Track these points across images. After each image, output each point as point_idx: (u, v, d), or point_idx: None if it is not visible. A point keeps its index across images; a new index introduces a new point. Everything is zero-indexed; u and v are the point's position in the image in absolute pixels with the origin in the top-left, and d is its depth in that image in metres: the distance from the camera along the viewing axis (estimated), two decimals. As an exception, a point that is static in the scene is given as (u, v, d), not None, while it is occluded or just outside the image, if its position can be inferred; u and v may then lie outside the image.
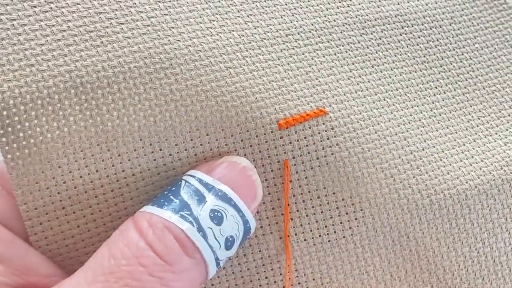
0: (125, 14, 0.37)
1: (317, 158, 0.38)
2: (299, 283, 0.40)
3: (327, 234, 0.39)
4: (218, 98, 0.37)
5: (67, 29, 0.36)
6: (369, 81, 0.41)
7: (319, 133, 0.38)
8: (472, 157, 0.41)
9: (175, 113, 0.36)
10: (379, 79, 0.42)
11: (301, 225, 0.39)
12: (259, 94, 0.38)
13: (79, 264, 0.35)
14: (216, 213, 0.34)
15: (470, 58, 0.45)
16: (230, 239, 0.35)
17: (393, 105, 0.41)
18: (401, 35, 0.44)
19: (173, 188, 0.35)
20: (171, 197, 0.34)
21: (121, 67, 0.36)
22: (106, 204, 0.36)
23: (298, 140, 0.38)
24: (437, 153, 0.41)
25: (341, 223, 0.39)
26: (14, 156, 0.34)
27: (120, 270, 0.32)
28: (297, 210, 0.39)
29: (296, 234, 0.39)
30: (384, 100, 0.41)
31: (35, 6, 0.36)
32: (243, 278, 0.39)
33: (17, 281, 0.34)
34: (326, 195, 0.39)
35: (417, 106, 0.42)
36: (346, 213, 0.39)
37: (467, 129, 0.43)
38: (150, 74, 0.36)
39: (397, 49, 0.43)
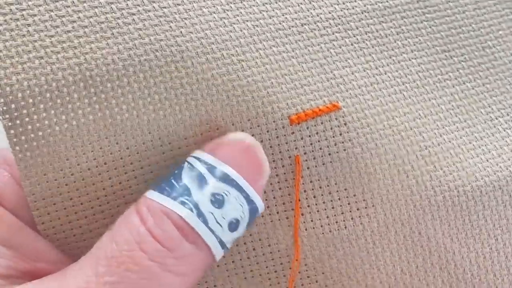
0: (137, 4, 0.36)
1: (329, 154, 0.38)
2: (308, 277, 0.39)
3: (338, 229, 0.39)
4: (229, 92, 0.36)
5: (77, 19, 0.35)
6: (385, 73, 0.40)
7: (331, 128, 0.38)
8: (489, 152, 0.40)
9: (185, 107, 0.36)
10: (396, 71, 0.40)
11: (312, 221, 0.39)
12: (271, 88, 0.37)
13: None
14: (217, 197, 0.34)
15: (494, 46, 0.43)
16: (234, 221, 0.34)
17: (409, 98, 0.40)
18: (422, 22, 0.42)
19: (175, 171, 0.35)
20: (173, 181, 0.34)
21: (131, 60, 0.35)
22: (114, 197, 0.36)
23: (310, 136, 0.37)
24: (453, 149, 0.40)
25: (352, 219, 0.39)
26: (22, 148, 0.34)
27: (122, 255, 0.32)
28: (308, 206, 0.38)
29: (306, 229, 0.39)
30: (401, 93, 0.40)
31: (51, 11, 0.35)
32: (252, 272, 0.39)
33: (25, 267, 0.35)
34: (337, 191, 0.38)
35: (435, 99, 0.41)
36: (358, 209, 0.38)
37: (485, 122, 0.41)
38: (160, 68, 0.36)
39: (417, 37, 0.42)
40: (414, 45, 0.41)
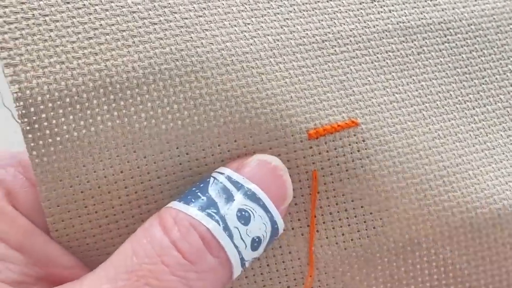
0: (159, 14, 0.36)
1: (347, 170, 0.37)
2: None
3: (353, 247, 0.38)
4: (248, 104, 0.36)
5: (99, 27, 0.35)
6: (405, 92, 0.40)
7: (349, 144, 0.37)
8: (509, 175, 0.40)
9: (204, 118, 0.36)
10: (417, 90, 0.40)
11: (327, 238, 0.38)
12: (290, 102, 0.37)
13: (99, 263, 0.35)
14: (243, 213, 0.33)
15: None
16: (257, 239, 0.34)
17: (429, 118, 0.40)
18: (443, 43, 0.42)
19: (201, 185, 0.34)
20: (199, 193, 0.34)
21: (152, 69, 0.35)
22: (129, 206, 0.36)
23: (327, 151, 0.37)
24: (472, 170, 0.40)
25: (367, 237, 0.38)
26: (40, 153, 0.34)
27: (142, 269, 0.31)
28: (324, 222, 0.38)
29: (321, 246, 0.38)
30: (420, 112, 0.40)
31: (68, 2, 0.35)
32: (265, 287, 0.38)
33: (38, 272, 0.34)
34: (354, 208, 0.38)
35: (454, 120, 0.40)
36: (374, 228, 0.38)
37: (505, 145, 0.41)
38: (180, 77, 0.35)
39: (438, 58, 0.41)
40: (435, 66, 0.41)
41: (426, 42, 0.41)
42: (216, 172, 0.35)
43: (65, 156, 0.34)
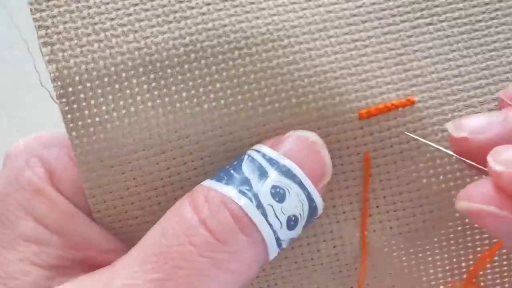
0: None
1: (401, 152, 0.35)
2: (374, 277, 0.37)
3: (409, 232, 0.36)
4: (295, 82, 0.34)
5: (139, 2, 0.34)
6: (472, 64, 0.36)
7: (404, 124, 0.35)
8: None
9: (248, 97, 0.34)
10: (485, 62, 0.36)
11: (380, 222, 0.36)
12: (340, 79, 0.35)
13: None
14: (278, 190, 0.32)
15: None
16: (293, 218, 0.32)
17: (497, 92, 0.36)
18: None
19: (235, 163, 0.33)
20: (232, 171, 0.32)
21: (193, 46, 0.34)
22: (172, 188, 0.35)
23: (380, 132, 0.35)
24: None
25: (424, 221, 0.36)
26: (79, 134, 0.33)
27: (170, 251, 0.31)
28: (377, 206, 0.36)
29: (374, 231, 0.36)
30: (487, 86, 0.36)
31: None
32: (316, 271, 0.37)
33: (75, 255, 0.34)
34: (409, 192, 0.36)
35: None
36: (430, 212, 0.36)
37: None
38: (223, 54, 0.34)
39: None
40: (509, 32, 0.37)
41: (501, 6, 0.37)
42: (251, 149, 0.34)
43: (105, 136, 0.34)
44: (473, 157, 0.31)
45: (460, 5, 0.37)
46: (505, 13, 0.37)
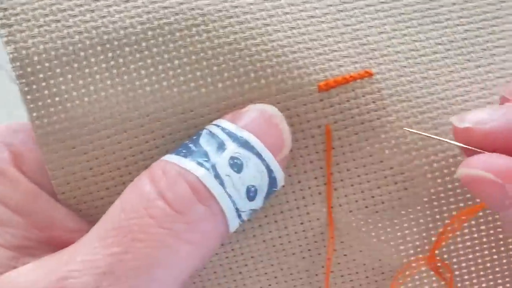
0: None
1: (362, 123, 0.35)
2: (345, 255, 0.37)
3: (374, 204, 0.36)
4: (253, 57, 0.35)
5: None
6: (426, 40, 0.37)
7: (363, 96, 0.35)
8: None
9: (206, 72, 0.35)
10: (439, 37, 0.38)
11: (346, 196, 0.36)
12: (298, 53, 0.35)
13: None
14: (236, 161, 0.32)
15: None
16: (252, 188, 0.32)
17: (453, 65, 0.37)
18: None
19: (194, 137, 0.33)
20: (190, 145, 0.33)
21: (150, 24, 0.34)
22: (136, 167, 0.35)
23: (340, 103, 0.35)
24: None
25: (389, 193, 0.36)
26: (40, 114, 0.34)
27: (129, 224, 0.31)
28: (341, 180, 0.36)
29: (340, 205, 0.36)
30: (443, 60, 0.37)
31: None
32: (284, 251, 0.37)
33: (40, 235, 0.34)
34: (372, 163, 0.36)
35: (482, 67, 0.37)
36: (395, 183, 0.36)
37: None
38: (180, 31, 0.34)
39: (464, 3, 0.39)
40: (461, 11, 0.38)
41: None
42: (210, 124, 0.34)
43: (65, 116, 0.34)
44: (476, 146, 0.32)
45: None
46: None
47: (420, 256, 0.37)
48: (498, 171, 0.30)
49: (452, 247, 0.38)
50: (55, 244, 0.34)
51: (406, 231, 0.37)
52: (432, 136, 0.35)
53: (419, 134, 0.35)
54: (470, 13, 0.38)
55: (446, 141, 0.34)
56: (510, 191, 0.30)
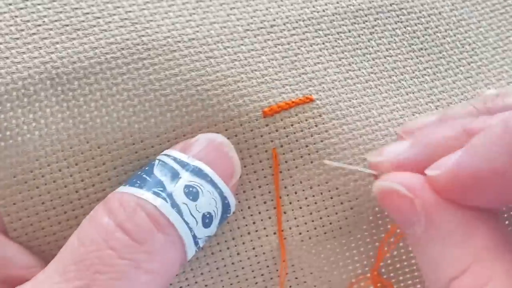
0: (102, 9, 0.37)
1: (306, 146, 0.37)
2: (296, 278, 0.38)
3: (323, 226, 0.37)
4: (199, 87, 0.36)
5: (42, 23, 0.35)
6: (359, 69, 0.40)
7: (306, 120, 0.37)
8: None
9: (155, 103, 0.36)
10: (371, 67, 0.40)
11: (295, 218, 0.37)
12: (241, 82, 0.37)
13: None
14: (191, 189, 0.33)
15: (474, 43, 0.43)
16: (208, 215, 0.33)
17: (386, 92, 0.40)
18: (396, 23, 0.42)
19: (146, 168, 0.34)
20: (144, 176, 0.33)
21: (98, 58, 0.35)
22: (88, 200, 0.35)
23: (285, 128, 0.37)
24: None
25: (336, 213, 0.37)
26: None
27: (90, 257, 0.31)
28: (290, 203, 0.37)
29: (290, 228, 0.37)
30: (376, 87, 0.40)
31: (10, 4, 0.36)
32: (238, 277, 0.37)
33: None
34: (318, 185, 0.37)
35: (413, 93, 0.40)
36: (341, 203, 0.37)
37: None
38: (127, 65, 0.36)
39: (392, 37, 0.41)
40: (389, 44, 0.41)
41: (378, 23, 0.41)
42: (161, 154, 0.35)
43: (16, 150, 0.34)
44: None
45: (342, 22, 0.41)
46: (382, 29, 0.42)
47: (363, 276, 0.38)
48: (410, 185, 0.32)
49: (390, 261, 0.39)
50: (12, 281, 0.33)
51: (354, 251, 0.38)
52: (351, 167, 0.36)
53: (340, 166, 0.36)
54: (397, 45, 0.41)
55: (365, 171, 0.36)
56: (418, 207, 0.31)
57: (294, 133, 0.37)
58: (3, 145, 0.34)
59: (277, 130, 0.37)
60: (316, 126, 0.37)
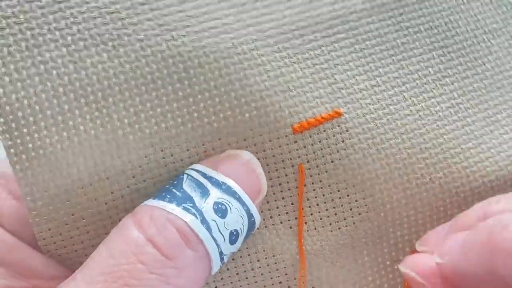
0: (138, 13, 0.35)
1: (332, 162, 0.37)
2: (313, 287, 0.39)
3: (340, 236, 0.39)
4: (232, 103, 0.36)
5: (76, 32, 0.34)
6: (385, 74, 0.39)
7: (333, 136, 0.37)
8: (489, 150, 0.40)
9: (187, 119, 0.35)
10: (397, 71, 0.40)
11: (315, 229, 0.38)
12: (274, 97, 0.36)
13: None
14: (220, 206, 0.33)
15: (488, 40, 0.42)
16: (235, 233, 0.34)
17: (410, 99, 0.39)
18: (419, 17, 0.41)
19: (175, 182, 0.34)
20: (174, 190, 0.33)
21: (133, 73, 0.34)
22: (116, 211, 0.35)
23: (312, 144, 0.37)
24: (453, 149, 0.40)
25: (353, 223, 0.38)
26: (23, 167, 0.33)
27: (119, 270, 0.31)
28: (311, 214, 0.38)
29: (310, 238, 0.38)
30: (401, 94, 0.39)
31: (43, 7, 0.34)
32: (256, 283, 0.38)
33: (20, 284, 0.34)
34: (340, 198, 0.38)
35: (434, 98, 0.40)
36: (359, 214, 0.38)
37: (484, 119, 0.41)
38: (162, 80, 0.35)
39: (415, 34, 0.40)
40: (413, 42, 0.40)
41: (403, 18, 0.40)
42: (189, 169, 0.35)
43: (50, 168, 0.34)
44: None
45: (369, 20, 0.40)
46: (407, 25, 0.40)
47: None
48: (422, 271, 0.35)
49: None
50: None
51: (366, 258, 0.40)
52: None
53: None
54: (421, 44, 0.41)
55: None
56: None
57: (321, 149, 0.37)
58: (37, 163, 0.33)
59: (305, 147, 0.37)
60: (343, 142, 0.37)
